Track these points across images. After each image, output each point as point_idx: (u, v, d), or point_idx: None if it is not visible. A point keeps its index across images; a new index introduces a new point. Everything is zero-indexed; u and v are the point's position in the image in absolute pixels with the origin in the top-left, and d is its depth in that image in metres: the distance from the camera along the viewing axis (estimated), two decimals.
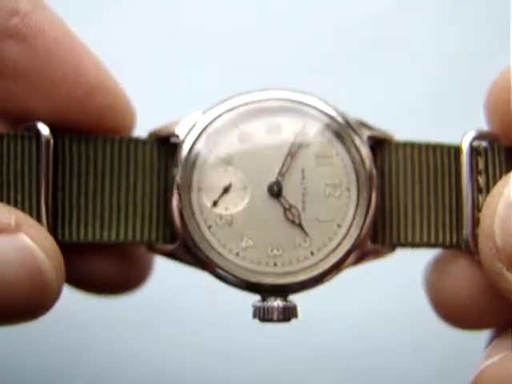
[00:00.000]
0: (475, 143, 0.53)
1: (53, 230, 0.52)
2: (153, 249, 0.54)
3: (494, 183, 0.52)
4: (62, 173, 0.53)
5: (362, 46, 0.98)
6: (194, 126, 0.53)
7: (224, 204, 0.53)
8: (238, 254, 0.53)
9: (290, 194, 0.53)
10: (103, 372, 0.96)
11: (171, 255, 0.54)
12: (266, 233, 0.53)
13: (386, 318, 0.94)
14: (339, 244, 0.53)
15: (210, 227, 0.53)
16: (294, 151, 0.53)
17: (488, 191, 0.52)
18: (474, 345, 0.56)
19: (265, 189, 0.53)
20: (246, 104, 0.53)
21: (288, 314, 0.53)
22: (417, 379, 0.95)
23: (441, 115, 0.95)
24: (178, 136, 0.53)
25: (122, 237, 0.53)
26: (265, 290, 0.53)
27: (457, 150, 0.53)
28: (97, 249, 0.56)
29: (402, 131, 0.55)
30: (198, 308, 0.95)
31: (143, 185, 0.53)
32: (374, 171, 0.52)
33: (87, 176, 0.53)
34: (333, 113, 0.53)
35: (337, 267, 0.53)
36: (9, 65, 0.50)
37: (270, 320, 0.53)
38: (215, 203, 0.53)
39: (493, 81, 0.53)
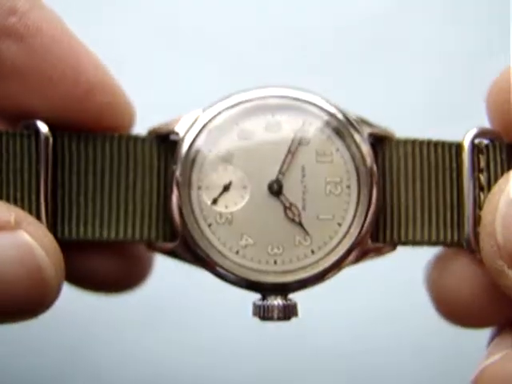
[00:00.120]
0: (477, 141, 0.53)
1: (52, 227, 0.52)
2: (153, 247, 0.54)
3: (496, 181, 0.52)
4: (61, 171, 0.53)
5: (361, 46, 0.98)
6: (193, 123, 0.53)
7: (224, 202, 0.53)
8: (237, 253, 0.52)
9: (290, 192, 0.53)
10: (103, 371, 0.96)
11: (171, 253, 0.54)
12: (266, 231, 0.52)
13: (386, 317, 0.94)
14: (340, 242, 0.52)
15: (209, 225, 0.53)
16: (293, 149, 0.53)
17: (489, 189, 0.52)
18: (474, 345, 0.56)
19: (265, 187, 0.53)
20: (245, 101, 0.53)
21: (288, 312, 0.53)
22: (417, 379, 0.95)
23: (441, 115, 0.95)
24: (177, 133, 0.53)
25: (121, 235, 0.53)
26: (265, 289, 0.53)
27: (458, 147, 0.53)
28: (96, 247, 0.56)
29: (401, 131, 0.55)
30: (198, 307, 0.95)
31: (143, 182, 0.53)
32: (374, 168, 0.52)
33: (86, 174, 0.53)
34: (333, 110, 0.53)
35: (337, 265, 0.53)
36: (7, 64, 0.50)
37: (270, 319, 0.53)
38: (215, 201, 0.53)
39: (493, 81, 0.53)
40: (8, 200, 0.51)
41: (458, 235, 0.53)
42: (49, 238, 0.48)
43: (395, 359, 0.95)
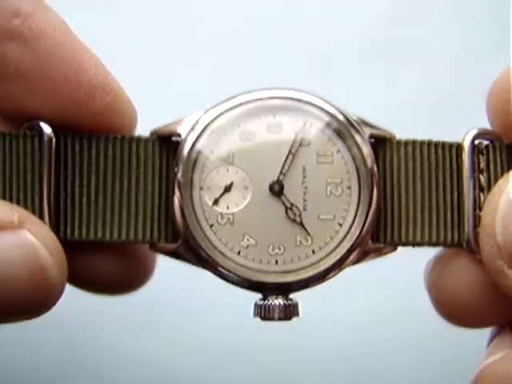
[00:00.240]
0: (477, 141, 0.53)
1: (55, 228, 0.52)
2: (155, 248, 0.54)
3: (496, 182, 0.52)
4: (64, 171, 0.53)
5: (361, 46, 0.98)
6: (195, 124, 0.53)
7: (225, 203, 0.53)
8: (239, 253, 0.53)
9: (291, 192, 0.53)
10: (103, 371, 0.96)
11: (173, 254, 0.54)
12: (267, 231, 0.53)
13: (387, 320, 0.94)
14: (340, 242, 0.53)
15: (211, 226, 0.53)
16: (294, 150, 0.53)
17: (489, 190, 0.52)
18: (475, 347, 0.56)
19: (266, 188, 0.53)
20: (247, 103, 0.53)
21: (289, 312, 0.53)
22: (418, 382, 0.95)
23: (441, 115, 0.95)
24: (179, 134, 0.53)
25: (123, 236, 0.53)
26: (266, 289, 0.53)
27: (458, 148, 0.53)
28: (99, 247, 0.56)
29: (401, 132, 0.55)
30: (197, 309, 0.95)
31: (145, 183, 0.53)
32: (375, 169, 0.53)
33: (89, 175, 0.53)
34: (334, 111, 0.53)
35: (338, 266, 0.53)
36: (10, 66, 0.50)
37: (272, 319, 0.53)
38: (216, 202, 0.53)
39: (493, 81, 0.53)
40: (11, 200, 0.51)
41: (458, 236, 0.53)
42: (52, 238, 0.49)
43: (396, 362, 0.95)
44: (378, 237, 0.54)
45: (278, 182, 0.53)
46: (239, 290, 0.54)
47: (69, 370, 0.96)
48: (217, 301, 0.90)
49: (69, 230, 0.53)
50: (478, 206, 0.53)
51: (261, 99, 0.53)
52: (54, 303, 0.49)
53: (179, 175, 0.52)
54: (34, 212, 0.51)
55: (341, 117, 0.53)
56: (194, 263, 0.53)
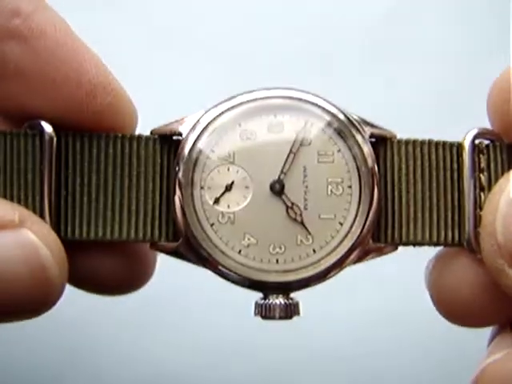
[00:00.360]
0: (477, 141, 0.53)
1: (56, 227, 0.52)
2: (155, 247, 0.54)
3: (496, 181, 0.52)
4: (65, 170, 0.53)
5: (361, 46, 0.98)
6: (196, 123, 0.53)
7: (226, 202, 0.53)
8: (240, 252, 0.53)
9: (292, 192, 0.53)
10: (102, 371, 0.96)
11: (174, 253, 0.54)
12: (268, 231, 0.53)
13: (387, 320, 0.94)
14: (341, 242, 0.53)
15: (212, 225, 0.53)
16: (295, 149, 0.53)
17: (490, 189, 0.52)
18: (475, 347, 0.56)
19: (267, 187, 0.53)
20: (248, 102, 0.53)
21: (290, 311, 0.53)
22: (418, 382, 0.96)
23: (441, 115, 0.95)
24: (180, 133, 0.53)
25: (124, 235, 0.53)
26: (267, 288, 0.53)
27: (459, 147, 0.53)
28: (99, 246, 0.56)
29: (402, 132, 0.55)
30: (196, 309, 0.95)
31: (145, 182, 0.53)
32: (376, 168, 0.53)
33: (90, 173, 0.53)
34: (334, 110, 0.53)
35: (339, 265, 0.53)
36: (10, 66, 0.50)
37: (272, 318, 0.53)
38: (217, 201, 0.53)
39: (493, 81, 0.53)
40: (12, 199, 0.51)
41: (459, 235, 0.53)
42: (53, 237, 0.49)
43: (396, 362, 0.95)
44: (378, 236, 0.54)
45: (279, 181, 0.53)
46: (240, 289, 0.54)
47: (68, 370, 0.96)
48: (217, 300, 0.90)
49: (69, 229, 0.53)
50: (478, 205, 0.53)
51: (262, 99, 0.53)
52: (54, 303, 0.49)
53: (180, 174, 0.52)
54: (34, 211, 0.51)
55: (341, 116, 0.53)
56: (194, 262, 0.53)
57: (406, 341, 0.95)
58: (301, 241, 0.53)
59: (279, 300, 0.53)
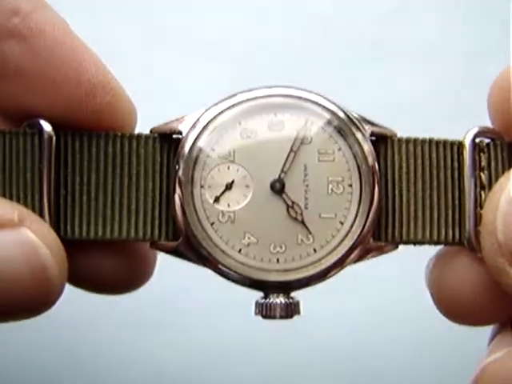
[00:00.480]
0: (478, 140, 0.53)
1: (55, 226, 0.51)
2: (155, 246, 0.54)
3: (497, 180, 0.52)
4: (64, 169, 0.53)
5: (362, 46, 0.98)
6: (196, 122, 0.53)
7: (226, 201, 0.53)
8: (240, 251, 0.53)
9: (293, 190, 0.53)
10: (99, 372, 0.96)
11: (174, 252, 0.54)
12: (268, 230, 0.53)
13: (388, 321, 0.94)
14: (342, 241, 0.53)
15: (212, 224, 0.53)
16: (296, 148, 0.53)
17: (490, 188, 0.52)
18: (475, 347, 0.56)
19: (267, 186, 0.53)
20: (248, 100, 0.53)
21: (291, 310, 0.53)
22: (418, 382, 0.95)
23: (441, 115, 0.95)
24: (180, 132, 0.53)
25: (124, 234, 0.53)
26: (267, 287, 0.53)
27: (459, 146, 0.53)
28: (99, 245, 0.56)
29: (402, 131, 0.55)
30: (194, 309, 0.95)
31: (146, 181, 0.53)
32: (376, 167, 0.53)
33: (89, 172, 0.53)
34: (334, 108, 0.53)
35: (339, 264, 0.53)
36: (10, 65, 0.50)
37: (273, 317, 0.53)
38: (217, 200, 0.53)
39: (494, 80, 0.53)
40: (11, 198, 0.51)
41: (459, 234, 0.53)
42: (52, 237, 0.48)
43: (396, 363, 0.95)
44: (379, 235, 0.54)
45: (280, 180, 0.53)
46: (240, 288, 0.54)
47: (66, 371, 0.96)
48: (217, 300, 0.90)
49: (69, 228, 0.52)
50: (479, 204, 0.53)
51: (262, 97, 0.53)
52: (53, 302, 0.49)
53: (180, 173, 0.52)
54: (34, 210, 0.51)
55: (342, 114, 0.53)
56: (194, 261, 0.53)
57: (407, 341, 0.95)
58: (301, 240, 0.53)
59: (280, 299, 0.53)
